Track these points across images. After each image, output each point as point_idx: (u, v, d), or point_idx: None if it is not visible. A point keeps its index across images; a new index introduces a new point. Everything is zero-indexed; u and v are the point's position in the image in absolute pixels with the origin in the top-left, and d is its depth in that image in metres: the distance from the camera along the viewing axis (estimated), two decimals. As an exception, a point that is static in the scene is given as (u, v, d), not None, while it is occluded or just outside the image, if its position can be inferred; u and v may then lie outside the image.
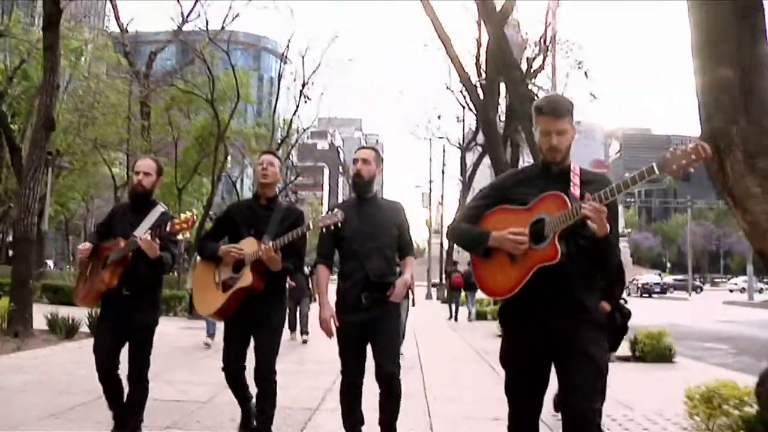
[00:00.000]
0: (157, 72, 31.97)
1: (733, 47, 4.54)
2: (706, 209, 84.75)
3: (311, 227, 4.49)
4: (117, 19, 29.80)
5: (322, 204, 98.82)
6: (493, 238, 3.19)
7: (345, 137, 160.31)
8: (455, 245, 3.86)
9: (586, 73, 26.15)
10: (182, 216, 4.54)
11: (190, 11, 27.98)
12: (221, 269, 4.65)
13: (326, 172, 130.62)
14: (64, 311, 11.57)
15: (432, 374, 8.76)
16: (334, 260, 4.63)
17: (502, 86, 18.10)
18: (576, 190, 3.14)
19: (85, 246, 4.80)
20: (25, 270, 11.67)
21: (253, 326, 4.61)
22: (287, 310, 10.07)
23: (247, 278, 4.46)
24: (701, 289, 63.02)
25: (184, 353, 10.27)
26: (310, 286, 12.95)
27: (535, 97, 22.89)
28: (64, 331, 11.22)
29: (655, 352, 10.26)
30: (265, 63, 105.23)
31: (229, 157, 31.26)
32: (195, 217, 4.59)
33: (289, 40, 31.11)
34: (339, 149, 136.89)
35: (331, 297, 4.47)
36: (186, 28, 29.63)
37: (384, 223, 4.55)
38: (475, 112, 21.20)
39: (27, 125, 28.24)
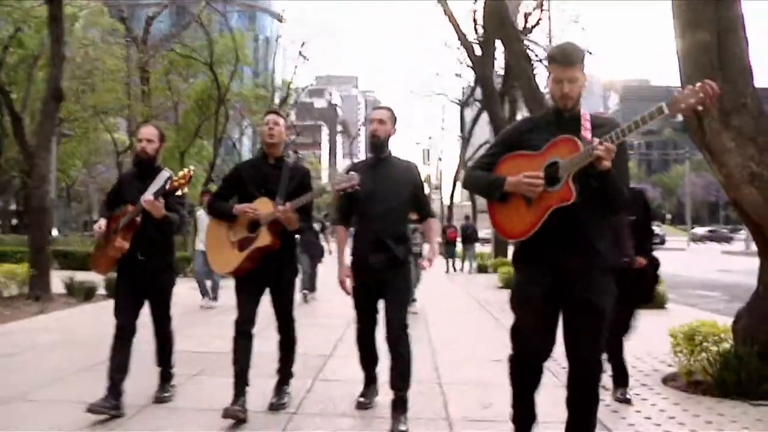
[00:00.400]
0: (154, 36, 31.99)
1: (710, 12, 4.88)
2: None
3: (328, 190, 4.62)
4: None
5: (320, 163, 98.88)
6: (509, 182, 3.28)
7: (343, 95, 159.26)
8: (469, 193, 4.20)
9: (583, 28, 26.27)
10: (179, 173, 4.66)
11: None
12: (235, 229, 4.70)
13: (324, 130, 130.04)
14: (80, 276, 12.00)
15: (436, 322, 9.28)
16: (351, 220, 4.75)
17: (499, 43, 18.29)
18: (587, 134, 3.21)
19: (101, 225, 4.92)
20: (42, 237, 12.10)
21: (268, 283, 4.73)
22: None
23: (265, 237, 4.53)
24: (731, 240, 60.61)
25: (198, 311, 10.76)
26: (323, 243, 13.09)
27: (531, 55, 23.19)
28: (83, 294, 11.68)
29: (648, 298, 10.79)
30: (260, 23, 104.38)
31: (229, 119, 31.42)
32: (192, 172, 4.72)
33: (283, 9, 30.88)
34: (337, 107, 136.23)
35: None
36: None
37: (398, 183, 4.61)
38: (472, 68, 21.31)
39: (27, 94, 28.47)
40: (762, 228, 5.01)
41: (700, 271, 23.35)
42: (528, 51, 19.88)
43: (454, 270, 22.08)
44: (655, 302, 10.63)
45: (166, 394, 5.07)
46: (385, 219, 4.48)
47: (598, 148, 3.03)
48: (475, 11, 23.93)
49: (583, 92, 3.32)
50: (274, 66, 31.70)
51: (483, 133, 34.45)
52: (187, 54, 28.52)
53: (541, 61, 20.39)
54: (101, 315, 9.31)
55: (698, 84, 2.92)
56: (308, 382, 5.58)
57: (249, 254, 4.57)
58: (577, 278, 3.18)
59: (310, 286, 12.44)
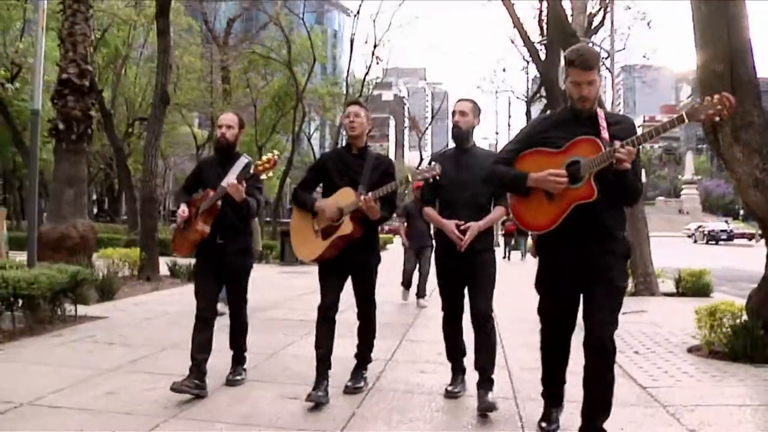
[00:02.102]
0: (234, 36, 33.91)
1: (722, 46, 5.97)
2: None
3: (410, 180, 4.80)
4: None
5: (387, 155, 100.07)
6: (532, 178, 3.49)
7: (410, 87, 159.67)
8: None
9: (648, 24, 26.83)
10: (263, 158, 4.72)
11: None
12: (320, 217, 4.77)
13: (392, 123, 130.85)
14: (179, 260, 13.54)
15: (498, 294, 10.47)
16: (436, 205, 4.82)
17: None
18: (605, 134, 3.38)
19: (184, 210, 5.02)
20: (152, 224, 13.76)
21: (350, 271, 4.82)
22: (405, 263, 10.47)
23: (347, 226, 4.61)
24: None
25: (292, 289, 12.20)
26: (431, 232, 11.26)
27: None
28: (186, 275, 13.30)
29: (695, 287, 11.78)
30: (328, 17, 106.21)
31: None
32: (277, 157, 4.77)
33: (359, 5, 32.25)
34: (404, 100, 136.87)
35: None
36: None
37: (480, 173, 4.55)
38: (537, 70, 22.15)
39: (115, 92, 30.61)
40: (765, 224, 6.08)
41: (760, 266, 23.58)
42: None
43: (509, 259, 23.89)
44: (702, 292, 11.66)
45: (238, 377, 5.13)
46: (466, 207, 4.58)
47: (620, 151, 3.24)
48: (540, 12, 24.74)
49: (600, 92, 3.63)
50: (349, 65, 32.96)
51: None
52: (265, 54, 30.14)
53: (605, 66, 21.11)
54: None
55: (717, 96, 3.14)
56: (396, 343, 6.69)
57: (332, 242, 4.67)
58: (597, 262, 3.45)
59: (420, 290, 10.31)
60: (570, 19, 22.21)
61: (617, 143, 3.26)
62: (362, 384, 4.99)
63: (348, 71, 33.75)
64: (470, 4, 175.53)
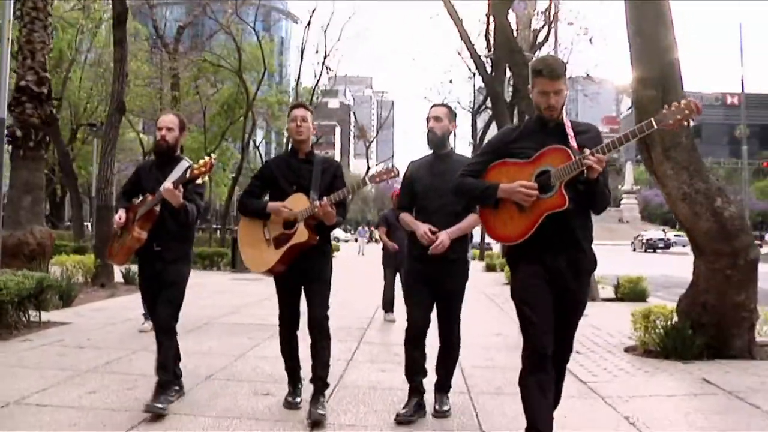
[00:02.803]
0: (182, 43, 33.82)
1: (656, 74, 6.58)
2: (716, 166, 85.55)
3: (367, 182, 4.66)
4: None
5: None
6: (502, 189, 3.44)
7: (356, 95, 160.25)
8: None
9: (590, 40, 27.87)
10: (200, 161, 4.55)
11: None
12: (270, 226, 4.62)
13: (338, 131, 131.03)
14: (135, 267, 13.63)
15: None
16: (412, 211, 4.71)
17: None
18: (574, 142, 3.36)
19: (121, 216, 4.82)
20: (107, 231, 13.82)
21: (304, 280, 4.64)
22: (385, 285, 9.28)
23: (302, 234, 4.47)
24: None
25: (248, 296, 12.46)
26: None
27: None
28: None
29: (632, 293, 12.54)
30: (275, 24, 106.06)
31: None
32: (213, 161, 4.62)
33: (310, 16, 32.60)
34: (350, 108, 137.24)
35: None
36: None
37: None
38: (483, 83, 22.83)
39: (61, 97, 30.21)
40: (692, 234, 6.71)
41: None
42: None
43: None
44: (639, 297, 12.40)
45: (159, 405, 4.38)
46: (440, 213, 4.50)
47: (590, 158, 3.21)
48: (487, 26, 25.47)
49: (565, 101, 3.48)
50: (299, 74, 33.28)
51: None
52: (216, 62, 30.21)
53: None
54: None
55: (684, 102, 3.18)
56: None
57: (286, 251, 4.52)
58: (567, 277, 3.44)
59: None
60: (516, 33, 23.10)
61: (587, 151, 3.25)
62: (324, 412, 4.43)
63: (298, 80, 34.06)
64: (419, 16, 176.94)
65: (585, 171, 3.25)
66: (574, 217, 3.41)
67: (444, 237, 4.42)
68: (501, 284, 16.38)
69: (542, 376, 3.42)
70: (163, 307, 4.74)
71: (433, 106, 4.86)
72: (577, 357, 6.82)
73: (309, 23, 32.16)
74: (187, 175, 4.57)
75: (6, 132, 11.38)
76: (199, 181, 4.70)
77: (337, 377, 5.65)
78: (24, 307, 7.70)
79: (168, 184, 4.57)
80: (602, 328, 8.75)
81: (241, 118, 30.39)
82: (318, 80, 33.74)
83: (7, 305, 7.20)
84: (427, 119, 4.75)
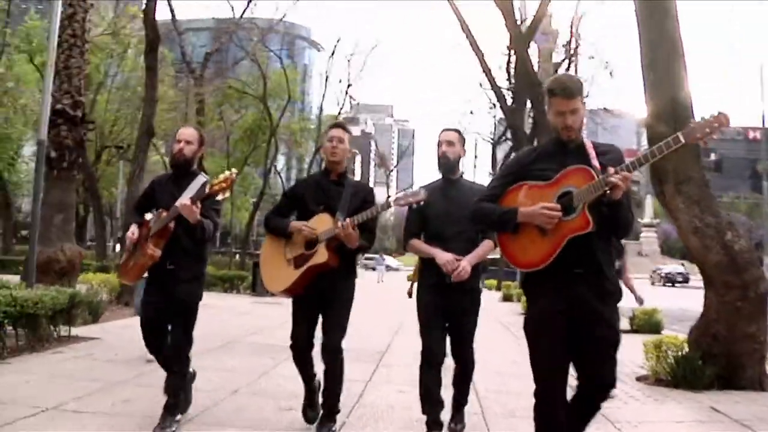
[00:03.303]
0: (208, 69, 34.56)
1: (669, 111, 6.85)
2: (738, 200, 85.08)
3: (391, 205, 4.44)
4: (173, 20, 32.15)
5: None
6: (522, 213, 3.28)
7: (376, 124, 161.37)
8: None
9: (611, 73, 28.22)
10: (220, 176, 4.37)
11: (244, 11, 30.28)
12: (291, 246, 4.52)
13: (358, 159, 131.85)
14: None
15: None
16: (421, 238, 4.65)
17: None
18: (596, 162, 3.24)
19: (134, 232, 4.63)
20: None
21: (323, 303, 4.48)
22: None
23: (322, 255, 4.35)
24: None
25: (269, 318, 12.73)
26: None
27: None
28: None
29: (647, 325, 12.72)
30: (298, 51, 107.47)
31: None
32: (234, 176, 4.42)
33: (335, 46, 33.36)
34: (371, 136, 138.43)
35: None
36: (220, 14, 31.92)
37: (468, 205, 4.15)
38: (504, 115, 23.18)
39: (93, 122, 30.86)
40: (703, 266, 6.91)
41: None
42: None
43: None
44: (654, 329, 12.54)
45: (168, 429, 4.38)
46: (456, 240, 4.43)
47: (614, 176, 3.08)
48: (509, 59, 25.90)
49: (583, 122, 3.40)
50: (322, 102, 33.90)
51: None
52: (241, 89, 30.85)
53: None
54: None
55: (713, 114, 3.06)
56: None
57: (304, 272, 4.40)
58: (591, 302, 3.24)
59: None
60: (536, 65, 23.47)
61: (611, 170, 3.11)
62: None
63: (321, 109, 34.65)
64: (441, 46, 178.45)
65: (609, 191, 3.11)
66: (596, 241, 3.25)
67: (466, 264, 4.34)
68: (517, 314, 16.51)
69: (550, 410, 3.31)
70: (177, 332, 4.57)
71: (444, 131, 4.77)
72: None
73: (333, 53, 32.71)
74: (206, 190, 4.38)
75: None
76: (219, 197, 4.50)
77: (356, 396, 5.87)
78: (56, 322, 8.00)
79: (185, 199, 4.39)
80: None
81: (263, 144, 30.97)
82: (341, 109, 34.30)
83: (42, 319, 7.51)
84: (439, 144, 4.68)
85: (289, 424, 4.86)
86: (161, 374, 6.09)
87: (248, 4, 29.28)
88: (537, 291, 3.39)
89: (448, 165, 4.65)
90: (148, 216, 4.76)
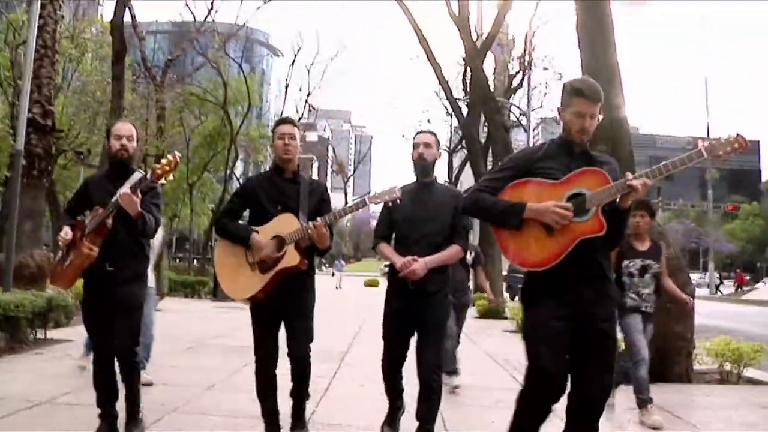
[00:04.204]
0: (169, 75, 34.69)
1: (607, 132, 7.55)
2: (687, 208, 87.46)
3: (367, 203, 4.32)
4: (134, 26, 32.15)
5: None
6: (531, 209, 3.19)
7: (334, 129, 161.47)
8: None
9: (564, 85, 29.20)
10: (163, 160, 4.11)
11: (206, 18, 30.44)
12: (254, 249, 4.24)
13: (315, 164, 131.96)
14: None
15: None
16: (390, 241, 4.57)
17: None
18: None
19: (67, 234, 4.26)
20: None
21: (285, 313, 4.26)
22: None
23: (293, 257, 4.10)
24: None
25: (234, 321, 13.14)
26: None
27: (515, 112, 25.85)
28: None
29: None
30: (256, 55, 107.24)
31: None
32: (178, 159, 4.15)
33: (295, 54, 33.75)
34: (328, 141, 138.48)
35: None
36: (176, 17, 32.31)
37: (438, 210, 4.40)
38: (458, 125, 23.89)
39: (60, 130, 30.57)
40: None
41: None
42: (510, 111, 22.70)
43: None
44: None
45: None
46: (420, 244, 4.33)
47: (635, 181, 3.05)
48: (465, 70, 26.63)
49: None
50: (282, 110, 34.31)
51: (469, 178, 36.96)
52: (202, 96, 31.07)
53: (520, 123, 23.08)
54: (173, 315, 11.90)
55: (734, 135, 3.08)
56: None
57: (275, 275, 4.13)
58: (595, 309, 3.19)
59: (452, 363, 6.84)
60: (493, 76, 24.28)
61: (629, 174, 3.10)
62: None
63: (281, 115, 34.99)
64: (399, 55, 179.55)
65: (618, 198, 3.13)
66: (600, 247, 3.23)
67: (420, 264, 4.22)
68: (472, 317, 17.21)
69: (538, 417, 3.24)
70: (123, 338, 4.28)
71: (420, 133, 4.69)
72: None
73: (293, 62, 33.16)
74: (148, 176, 4.12)
75: (9, 161, 12.18)
76: (162, 181, 4.17)
77: (323, 390, 6.38)
78: (34, 325, 8.38)
79: (124, 189, 4.12)
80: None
81: (223, 150, 31.21)
82: (301, 117, 34.74)
83: (22, 321, 7.89)
84: (415, 145, 4.55)
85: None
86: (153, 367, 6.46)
87: (210, 10, 29.45)
88: (543, 295, 3.27)
89: (425, 167, 4.54)
90: (82, 218, 4.42)
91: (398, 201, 4.20)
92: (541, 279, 3.25)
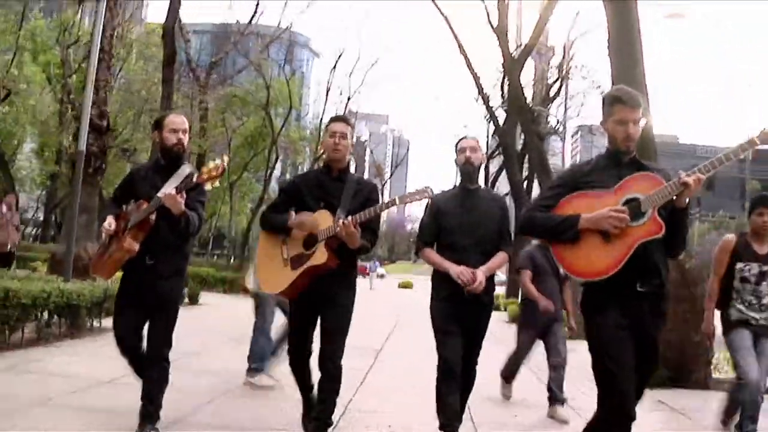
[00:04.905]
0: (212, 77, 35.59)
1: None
2: (729, 220, 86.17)
3: (398, 202, 4.18)
4: (180, 28, 33.02)
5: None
6: (586, 219, 3.18)
7: (372, 132, 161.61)
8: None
9: (602, 93, 29.34)
10: (210, 164, 4.09)
11: (251, 20, 31.19)
12: (290, 244, 4.22)
13: (352, 167, 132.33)
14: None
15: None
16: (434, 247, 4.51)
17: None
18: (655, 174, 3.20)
19: (111, 224, 4.25)
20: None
21: (322, 307, 4.22)
22: (519, 345, 6.63)
23: (321, 255, 4.06)
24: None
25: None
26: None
27: (552, 121, 26.04)
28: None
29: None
30: (296, 58, 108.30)
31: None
32: (225, 165, 4.12)
33: (337, 59, 34.45)
34: (366, 144, 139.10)
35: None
36: (220, 19, 32.89)
37: (486, 216, 4.39)
38: (495, 132, 24.23)
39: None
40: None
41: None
42: (548, 120, 22.96)
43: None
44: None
45: None
46: (472, 252, 4.32)
47: (688, 178, 3.03)
48: (503, 81, 26.86)
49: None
50: (323, 114, 34.99)
51: (505, 185, 37.15)
52: (245, 98, 31.90)
53: (556, 131, 23.32)
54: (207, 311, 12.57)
55: None
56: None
57: (302, 273, 4.11)
58: (647, 322, 3.22)
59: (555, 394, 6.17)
60: (532, 84, 24.54)
61: (682, 173, 3.08)
62: None
63: (321, 119, 35.72)
64: (439, 60, 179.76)
65: (675, 198, 3.11)
66: (658, 252, 3.22)
67: (481, 276, 4.23)
68: (503, 321, 17.52)
69: (630, 419, 3.19)
70: (158, 333, 4.30)
71: (464, 138, 4.66)
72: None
73: (335, 66, 33.82)
74: (194, 179, 4.13)
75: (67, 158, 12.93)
76: (207, 186, 4.24)
77: (359, 381, 6.86)
78: (92, 313, 9.01)
79: (169, 188, 4.11)
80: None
81: (263, 151, 32.00)
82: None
83: (82, 309, 8.53)
84: (461, 149, 4.53)
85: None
86: (193, 359, 6.98)
87: (254, 13, 30.15)
88: (600, 304, 3.27)
89: (471, 171, 4.53)
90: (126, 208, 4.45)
91: (428, 200, 4.21)
92: (600, 289, 3.24)
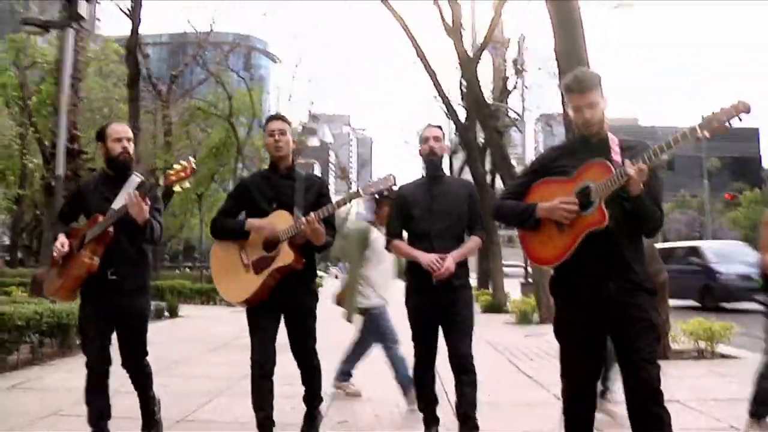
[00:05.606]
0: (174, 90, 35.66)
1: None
2: (690, 198, 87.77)
3: (361, 194, 4.12)
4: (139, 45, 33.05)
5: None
6: (541, 208, 3.27)
7: (334, 133, 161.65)
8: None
9: (559, 85, 30.00)
10: (176, 166, 4.01)
11: (209, 33, 31.30)
12: (248, 249, 4.16)
13: (317, 168, 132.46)
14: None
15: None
16: (403, 238, 4.49)
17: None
18: (617, 157, 3.18)
19: (63, 244, 4.14)
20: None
21: (286, 314, 4.23)
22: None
23: (287, 255, 4.01)
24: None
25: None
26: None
27: (512, 114, 26.64)
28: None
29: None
30: (255, 62, 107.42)
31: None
32: (194, 164, 4.07)
33: (296, 65, 34.93)
34: (329, 146, 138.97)
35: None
36: (178, 29, 32.72)
37: (455, 202, 4.39)
38: (456, 130, 24.62)
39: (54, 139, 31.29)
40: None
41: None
42: (506, 115, 23.52)
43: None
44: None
45: None
46: (443, 238, 4.32)
47: (629, 168, 3.02)
48: (461, 82, 27.30)
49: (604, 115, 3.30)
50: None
51: (468, 179, 37.67)
52: (208, 110, 32.10)
53: (515, 124, 23.88)
54: (189, 322, 12.78)
55: (732, 104, 2.93)
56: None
57: (269, 275, 4.04)
58: (619, 297, 3.17)
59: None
60: (491, 79, 24.99)
61: (627, 162, 3.08)
62: None
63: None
64: (397, 59, 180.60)
65: (627, 185, 3.09)
66: (623, 239, 3.22)
67: (450, 262, 4.24)
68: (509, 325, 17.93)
69: (578, 407, 3.33)
70: (133, 350, 4.34)
71: (429, 126, 4.66)
72: (524, 360, 8.62)
73: (294, 76, 34.14)
74: (163, 182, 4.11)
75: (42, 183, 13.18)
76: (177, 188, 4.15)
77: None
78: (79, 331, 9.32)
79: (131, 194, 3.98)
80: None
81: (230, 161, 32.23)
82: (303, 128, 35.72)
83: (72, 328, 8.84)
84: (424, 139, 4.54)
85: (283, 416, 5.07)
86: (191, 364, 7.30)
87: (211, 29, 30.33)
88: (563, 290, 3.37)
89: (436, 161, 4.53)
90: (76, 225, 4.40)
91: (393, 189, 4.25)
92: (562, 273, 3.34)
